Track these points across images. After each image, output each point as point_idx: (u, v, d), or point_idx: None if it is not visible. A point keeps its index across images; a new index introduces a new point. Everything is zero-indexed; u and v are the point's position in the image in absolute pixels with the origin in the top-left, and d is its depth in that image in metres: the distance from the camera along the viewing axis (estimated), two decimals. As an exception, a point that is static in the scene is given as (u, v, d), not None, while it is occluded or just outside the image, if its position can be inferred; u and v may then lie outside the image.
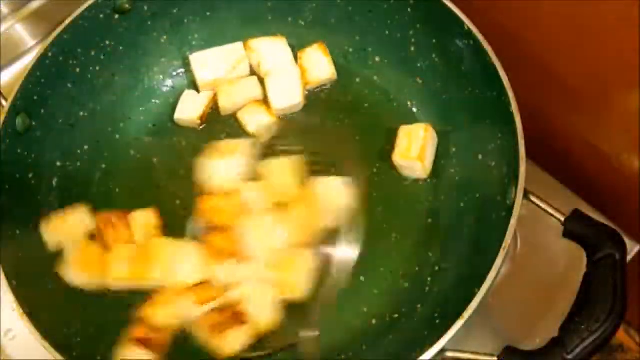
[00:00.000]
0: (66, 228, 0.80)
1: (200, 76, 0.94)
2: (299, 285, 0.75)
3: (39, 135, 0.85)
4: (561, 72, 0.87)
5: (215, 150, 0.84)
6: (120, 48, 0.93)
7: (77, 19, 0.87)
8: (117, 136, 0.94)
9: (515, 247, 0.87)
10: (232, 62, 0.94)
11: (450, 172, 0.87)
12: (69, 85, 0.89)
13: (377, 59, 0.95)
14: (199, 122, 0.93)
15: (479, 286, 0.67)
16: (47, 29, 1.05)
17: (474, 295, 0.67)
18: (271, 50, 0.94)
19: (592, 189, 0.91)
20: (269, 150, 0.86)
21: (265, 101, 0.93)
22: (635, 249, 0.87)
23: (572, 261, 0.85)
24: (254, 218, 0.79)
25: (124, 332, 0.76)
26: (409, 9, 0.88)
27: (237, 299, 0.74)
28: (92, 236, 0.82)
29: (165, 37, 0.96)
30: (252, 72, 0.96)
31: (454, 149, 0.88)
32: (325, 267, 0.79)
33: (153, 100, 0.97)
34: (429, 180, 0.88)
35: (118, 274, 0.77)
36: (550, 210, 0.72)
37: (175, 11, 0.95)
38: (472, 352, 0.67)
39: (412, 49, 0.91)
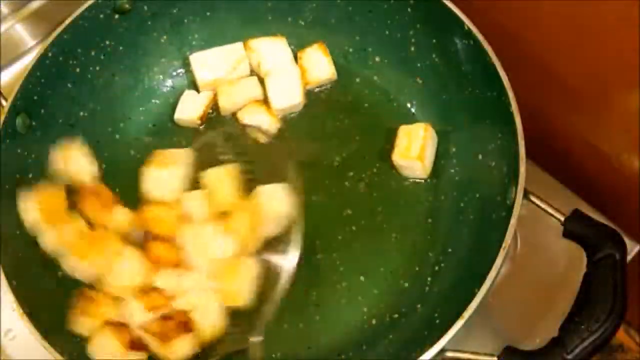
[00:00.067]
0: (44, 203, 0.79)
1: (200, 76, 0.94)
2: (241, 294, 0.74)
3: (39, 135, 0.85)
4: (561, 72, 0.87)
5: (157, 159, 0.82)
6: (120, 48, 0.93)
7: (77, 19, 0.87)
8: (117, 136, 0.94)
9: (515, 247, 0.87)
10: (232, 62, 0.94)
11: (450, 172, 0.87)
12: (69, 85, 0.89)
13: (377, 59, 0.95)
14: (199, 122, 0.93)
15: (479, 286, 0.67)
16: (47, 29, 1.05)
17: (474, 295, 0.67)
18: (271, 50, 0.94)
19: (592, 189, 0.91)
20: (211, 159, 0.84)
21: (265, 101, 0.93)
22: (635, 249, 0.87)
23: (572, 261, 0.85)
24: (195, 228, 0.78)
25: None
26: (409, 9, 0.88)
27: (183, 307, 0.74)
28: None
29: (165, 37, 0.96)
30: (252, 72, 0.96)
31: (454, 149, 0.88)
32: (267, 273, 0.78)
33: (153, 100, 0.97)
34: (429, 180, 0.88)
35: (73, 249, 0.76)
36: (550, 210, 0.72)
37: (175, 11, 0.95)
38: (472, 352, 0.67)
39: (412, 49, 0.91)
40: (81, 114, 0.91)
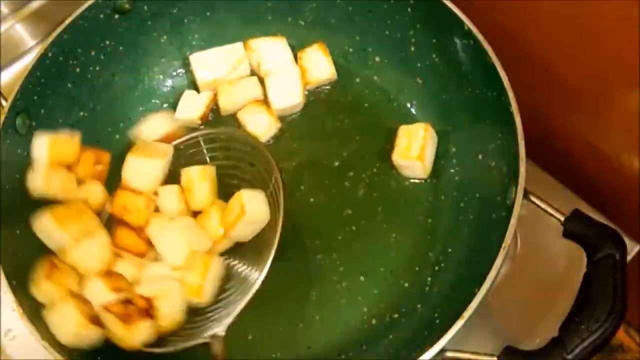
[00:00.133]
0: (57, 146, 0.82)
1: (200, 76, 0.94)
2: (203, 290, 0.76)
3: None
4: (561, 72, 0.87)
5: (141, 149, 0.83)
6: (120, 48, 0.93)
7: (77, 19, 0.87)
8: (117, 136, 0.94)
9: (515, 247, 0.87)
10: (232, 62, 0.94)
11: (450, 172, 0.87)
12: (69, 85, 0.89)
13: (377, 59, 0.95)
14: (199, 122, 0.93)
15: (479, 286, 0.67)
16: (47, 29, 1.05)
17: (474, 295, 0.67)
18: (271, 50, 0.94)
19: (592, 189, 0.91)
20: (196, 158, 0.87)
21: (265, 101, 0.93)
22: (635, 249, 0.87)
23: (572, 261, 0.85)
24: (165, 221, 0.80)
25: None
26: (409, 9, 0.88)
27: (146, 294, 0.75)
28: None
29: (165, 37, 0.96)
30: (253, 72, 0.96)
31: (454, 149, 0.88)
32: (232, 278, 0.80)
33: (153, 100, 0.97)
34: (429, 180, 0.88)
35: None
36: (550, 210, 0.72)
37: (175, 11, 0.95)
38: (472, 352, 0.67)
39: (412, 49, 0.91)
40: (81, 114, 0.91)
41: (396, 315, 0.80)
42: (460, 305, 0.67)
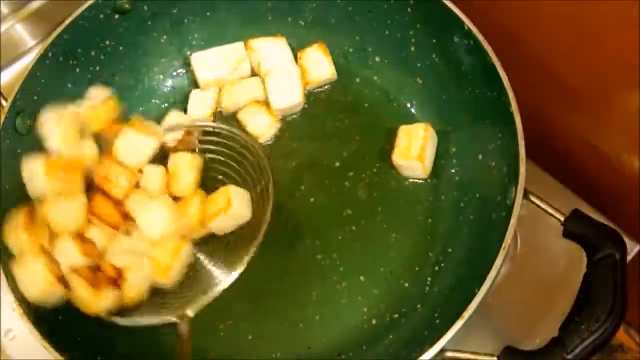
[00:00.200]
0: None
1: (201, 76, 0.94)
2: (169, 272, 0.77)
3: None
4: (561, 72, 0.87)
5: (137, 124, 0.83)
6: (120, 48, 0.93)
7: (77, 19, 0.87)
8: (117, 136, 0.94)
9: (515, 247, 0.87)
10: (233, 62, 0.94)
11: (450, 172, 0.87)
12: (69, 85, 0.88)
13: (377, 59, 0.95)
14: (212, 119, 0.93)
15: (479, 286, 0.67)
16: (47, 29, 1.05)
17: (474, 295, 0.67)
18: (271, 50, 0.94)
19: (592, 189, 0.91)
20: (187, 147, 0.87)
21: (265, 101, 0.93)
22: (635, 249, 0.87)
23: (572, 261, 0.85)
24: (145, 198, 0.81)
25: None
26: (409, 9, 0.88)
27: (116, 263, 0.76)
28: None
29: (165, 37, 0.96)
30: (254, 72, 0.96)
31: (454, 149, 0.88)
32: (195, 265, 0.81)
33: (153, 100, 0.97)
34: (429, 180, 0.88)
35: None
36: (550, 210, 0.72)
37: (175, 11, 0.95)
38: (472, 352, 0.67)
39: (412, 49, 0.91)
40: (81, 114, 0.91)
41: (396, 315, 0.80)
42: (460, 305, 0.67)
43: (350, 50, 0.96)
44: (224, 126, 0.87)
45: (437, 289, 0.81)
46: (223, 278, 0.77)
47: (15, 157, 0.81)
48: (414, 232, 0.85)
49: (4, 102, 0.84)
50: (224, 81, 0.94)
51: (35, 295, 0.71)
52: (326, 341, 0.80)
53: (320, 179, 0.89)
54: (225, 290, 0.82)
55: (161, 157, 0.85)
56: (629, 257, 0.82)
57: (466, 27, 0.81)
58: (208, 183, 0.85)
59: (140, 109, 0.96)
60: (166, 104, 0.97)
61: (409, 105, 0.93)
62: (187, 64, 0.97)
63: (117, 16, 0.91)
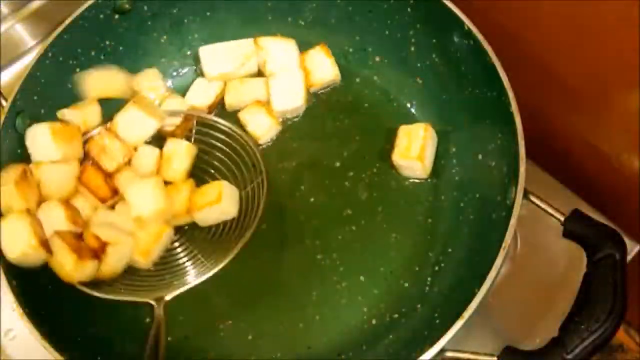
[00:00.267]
0: None
1: (208, 69, 0.94)
2: (150, 254, 0.79)
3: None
4: (561, 72, 0.87)
5: (144, 103, 0.85)
6: (120, 48, 0.93)
7: (77, 19, 0.87)
8: (117, 136, 0.94)
9: (515, 247, 0.87)
10: (241, 58, 0.93)
11: (450, 172, 0.87)
12: (69, 85, 0.88)
13: (377, 59, 0.95)
14: (207, 111, 0.93)
15: (479, 286, 0.67)
16: (47, 29, 1.05)
17: (474, 295, 0.67)
18: (279, 50, 0.93)
19: (592, 189, 0.91)
20: (181, 131, 0.89)
21: (268, 103, 0.93)
22: (635, 249, 0.87)
23: (572, 261, 0.85)
24: (135, 177, 0.83)
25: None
26: (409, 9, 0.88)
27: (104, 238, 0.77)
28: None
29: (165, 37, 0.96)
30: (260, 70, 0.95)
31: (454, 149, 0.88)
32: (174, 252, 0.82)
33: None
34: (429, 180, 0.88)
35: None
36: (550, 210, 0.72)
37: (175, 11, 0.95)
38: (472, 352, 0.67)
39: (412, 49, 0.91)
40: (81, 114, 0.91)
41: (396, 315, 0.80)
42: (460, 305, 0.67)
43: (350, 50, 0.96)
44: (225, 122, 0.88)
45: (437, 289, 0.81)
46: (202, 269, 0.79)
47: (15, 157, 0.81)
48: (414, 232, 0.85)
49: (4, 102, 0.84)
50: (230, 76, 0.94)
51: (17, 255, 0.73)
52: (326, 341, 0.80)
53: (320, 179, 0.89)
54: (226, 290, 0.83)
55: (157, 139, 0.86)
56: (629, 257, 0.82)
57: (466, 27, 0.81)
58: (198, 174, 0.86)
59: (140, 109, 0.96)
60: (166, 104, 0.97)
61: (409, 105, 0.93)
62: (187, 64, 0.97)
63: (117, 16, 0.91)
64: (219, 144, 0.88)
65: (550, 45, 0.86)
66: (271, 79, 0.93)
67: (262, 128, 0.91)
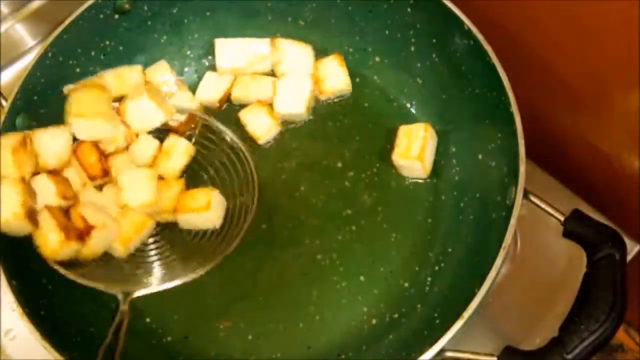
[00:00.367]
0: None
1: (220, 62, 0.94)
2: (129, 244, 0.79)
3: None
4: (561, 72, 0.87)
5: (157, 94, 0.85)
6: (120, 48, 0.93)
7: (77, 19, 0.87)
8: (117, 136, 0.94)
9: (515, 247, 0.87)
10: (256, 56, 0.94)
11: (450, 172, 0.87)
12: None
13: (377, 59, 0.95)
14: (218, 105, 0.93)
15: (479, 286, 0.67)
16: (47, 29, 1.05)
17: (474, 295, 0.67)
18: (294, 54, 0.93)
19: (592, 189, 0.91)
20: (183, 129, 0.89)
21: (270, 104, 0.92)
22: (635, 249, 0.87)
23: (572, 261, 0.85)
24: (129, 164, 0.83)
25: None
26: (409, 9, 0.88)
27: (91, 221, 0.77)
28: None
29: (165, 37, 0.96)
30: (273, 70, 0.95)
31: (454, 149, 0.88)
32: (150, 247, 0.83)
33: (153, 100, 0.97)
34: (429, 180, 0.88)
35: None
36: (550, 210, 0.72)
37: (175, 11, 0.95)
38: (472, 352, 0.67)
39: (412, 49, 0.91)
40: (81, 114, 0.91)
41: (396, 315, 0.80)
42: (460, 305, 0.67)
43: (350, 50, 0.96)
44: (231, 134, 0.87)
45: (437, 289, 0.81)
46: (174, 272, 0.78)
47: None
48: (414, 232, 0.85)
49: (4, 102, 0.84)
50: (241, 71, 0.94)
51: (2, 222, 0.73)
52: (326, 341, 0.80)
53: (320, 179, 0.89)
54: (225, 290, 0.83)
55: (157, 131, 0.86)
56: (629, 257, 0.82)
57: (466, 27, 0.81)
58: (190, 175, 0.86)
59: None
60: (166, 104, 0.97)
61: (409, 105, 0.93)
62: (187, 64, 0.97)
63: (117, 16, 0.91)
64: (218, 152, 0.87)
65: (550, 45, 0.86)
66: (279, 81, 0.92)
67: (262, 128, 0.91)
